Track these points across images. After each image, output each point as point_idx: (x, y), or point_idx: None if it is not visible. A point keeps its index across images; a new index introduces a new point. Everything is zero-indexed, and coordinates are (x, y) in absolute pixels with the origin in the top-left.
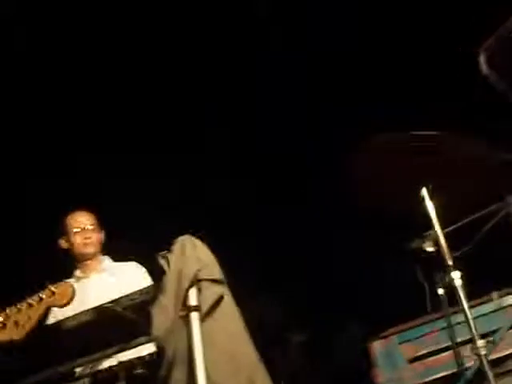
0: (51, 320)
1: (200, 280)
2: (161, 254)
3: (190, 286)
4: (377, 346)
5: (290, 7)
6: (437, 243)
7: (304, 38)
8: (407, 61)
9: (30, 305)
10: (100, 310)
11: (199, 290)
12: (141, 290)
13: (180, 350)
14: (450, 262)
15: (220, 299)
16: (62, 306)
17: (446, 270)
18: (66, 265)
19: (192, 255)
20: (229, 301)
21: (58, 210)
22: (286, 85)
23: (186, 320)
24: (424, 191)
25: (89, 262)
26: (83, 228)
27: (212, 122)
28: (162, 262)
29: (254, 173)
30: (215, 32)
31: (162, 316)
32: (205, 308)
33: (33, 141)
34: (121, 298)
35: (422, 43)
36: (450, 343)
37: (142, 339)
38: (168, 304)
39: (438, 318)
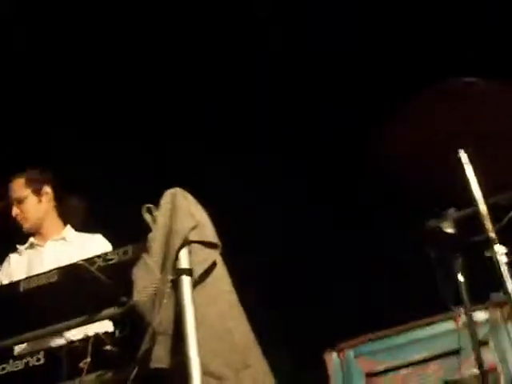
0: (3, 280)
1: (191, 242)
2: (146, 206)
3: (182, 246)
4: (332, 359)
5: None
6: (458, 223)
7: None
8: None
9: None
10: (67, 270)
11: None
12: (119, 250)
13: (165, 320)
14: (493, 235)
15: (212, 266)
16: None
17: (489, 243)
18: None
19: (184, 210)
20: (222, 270)
21: None
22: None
23: (175, 285)
24: (462, 155)
25: (42, 229)
26: (11, 204)
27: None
28: (147, 216)
29: None
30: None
31: (146, 280)
32: (195, 275)
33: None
34: (94, 257)
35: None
36: (412, 359)
37: (115, 309)
38: (153, 266)
39: (399, 332)
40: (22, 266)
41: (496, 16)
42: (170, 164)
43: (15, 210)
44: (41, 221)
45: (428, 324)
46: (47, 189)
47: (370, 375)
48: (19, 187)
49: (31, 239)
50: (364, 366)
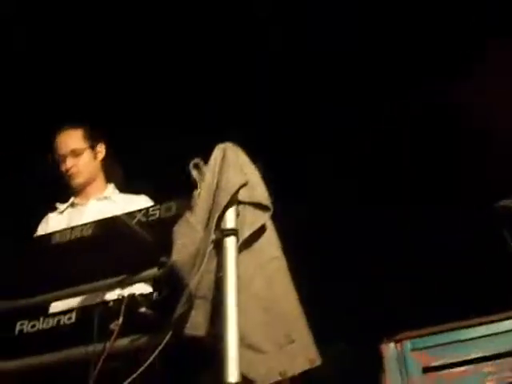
0: (39, 233)
1: (240, 202)
2: (193, 162)
3: (229, 204)
4: (388, 350)
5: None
6: None
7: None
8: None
9: None
10: (104, 224)
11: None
12: (161, 206)
13: (204, 284)
14: None
15: (261, 230)
16: None
17: None
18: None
19: (235, 166)
20: (271, 235)
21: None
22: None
23: (219, 247)
24: None
25: (87, 187)
26: (63, 154)
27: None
28: (195, 172)
29: None
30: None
31: (187, 238)
32: (241, 239)
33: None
34: (135, 211)
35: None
36: (471, 357)
37: (154, 270)
38: (196, 224)
39: (461, 327)
40: (62, 225)
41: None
42: (222, 117)
43: (70, 162)
44: (93, 178)
45: (489, 322)
46: (102, 146)
47: (427, 369)
48: (77, 139)
49: (72, 198)
50: (421, 359)
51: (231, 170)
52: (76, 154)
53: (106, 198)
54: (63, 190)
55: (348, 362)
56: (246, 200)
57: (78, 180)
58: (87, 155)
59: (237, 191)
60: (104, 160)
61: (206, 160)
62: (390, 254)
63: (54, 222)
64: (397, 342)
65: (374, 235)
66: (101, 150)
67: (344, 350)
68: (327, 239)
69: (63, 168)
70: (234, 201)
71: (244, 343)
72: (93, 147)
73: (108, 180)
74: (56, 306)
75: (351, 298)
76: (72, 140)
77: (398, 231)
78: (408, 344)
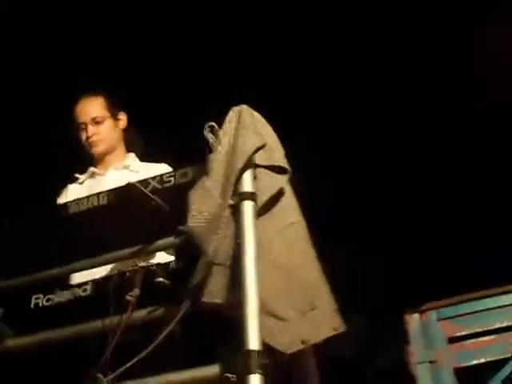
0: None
1: (257, 165)
2: (208, 125)
3: (246, 167)
4: (413, 321)
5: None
6: None
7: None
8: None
9: None
10: (119, 192)
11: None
12: (177, 172)
13: (222, 250)
14: None
15: (279, 194)
16: None
17: None
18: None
19: (251, 128)
20: (290, 199)
21: None
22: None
23: (236, 211)
24: None
25: (106, 157)
26: (84, 123)
27: None
28: (210, 136)
29: None
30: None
31: (202, 203)
32: (259, 203)
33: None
34: (148, 178)
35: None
36: (496, 326)
37: (171, 239)
38: (212, 189)
39: (486, 296)
40: (82, 195)
41: None
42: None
43: (92, 130)
44: (113, 147)
45: None
46: (123, 115)
47: (452, 339)
48: (99, 107)
49: (91, 168)
50: (446, 329)
51: (247, 133)
52: (97, 121)
53: (125, 167)
54: (82, 160)
55: (371, 333)
56: (264, 163)
57: (98, 148)
58: (108, 123)
59: (253, 153)
60: (125, 130)
61: (220, 124)
62: (415, 223)
63: (73, 194)
64: (421, 312)
65: (397, 207)
66: (122, 118)
67: (366, 321)
68: (351, 208)
69: (83, 136)
70: (250, 164)
71: (264, 310)
72: (114, 116)
73: (128, 150)
74: (75, 278)
75: (375, 269)
76: (93, 108)
77: (419, 204)
78: (433, 314)
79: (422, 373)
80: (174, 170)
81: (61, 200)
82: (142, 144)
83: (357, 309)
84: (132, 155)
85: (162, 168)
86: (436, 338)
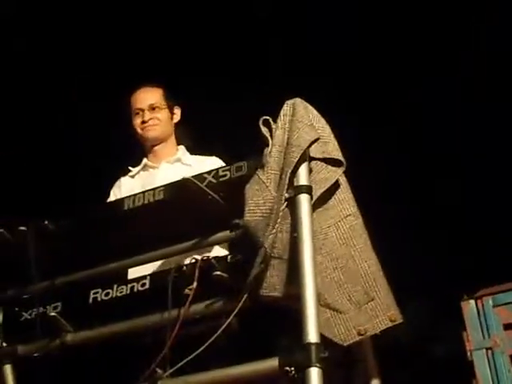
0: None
1: (312, 158)
2: (263, 119)
3: (301, 161)
4: (469, 308)
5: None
6: None
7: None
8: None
9: None
10: (174, 187)
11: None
12: (232, 166)
13: (279, 243)
14: None
15: (335, 187)
16: None
17: None
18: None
19: (305, 121)
20: (346, 191)
21: None
22: None
23: (292, 204)
24: None
25: (158, 148)
26: (141, 109)
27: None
28: (265, 130)
29: None
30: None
31: (259, 197)
32: (315, 196)
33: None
34: (204, 173)
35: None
36: None
37: (226, 234)
38: (268, 182)
39: None
40: (136, 189)
41: None
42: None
43: (148, 115)
44: (166, 138)
45: None
46: (178, 109)
47: (508, 326)
48: (157, 96)
49: (144, 160)
50: (502, 315)
51: (302, 126)
52: (155, 107)
53: (177, 160)
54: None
55: (428, 319)
56: (318, 156)
57: (154, 133)
58: (165, 113)
59: (308, 147)
60: (177, 124)
61: (274, 118)
62: (469, 210)
63: (126, 186)
64: (477, 298)
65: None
66: (177, 112)
67: (423, 307)
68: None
69: (138, 120)
70: (305, 157)
71: (321, 303)
72: (170, 108)
73: (178, 143)
74: (133, 273)
75: (431, 255)
76: (152, 96)
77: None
78: (489, 300)
79: (478, 359)
80: (227, 163)
81: (113, 191)
82: (190, 139)
83: (414, 295)
84: (182, 148)
85: (213, 160)
86: (492, 324)
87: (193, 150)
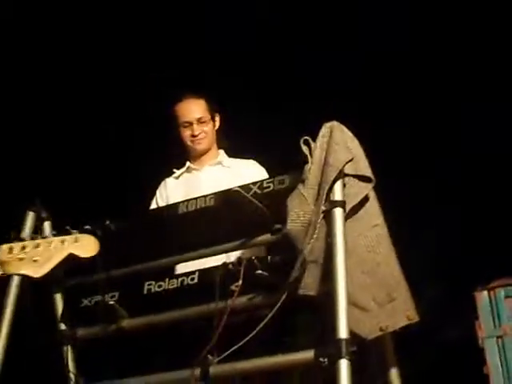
0: (160, 203)
1: (346, 175)
2: (304, 138)
3: (337, 178)
4: (482, 298)
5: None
6: None
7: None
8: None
9: (50, 244)
10: (224, 195)
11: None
12: (275, 179)
13: (316, 249)
14: None
15: (365, 200)
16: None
17: None
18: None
19: (341, 143)
20: (374, 204)
21: None
22: None
23: (328, 216)
24: None
25: (203, 154)
26: (189, 122)
27: None
28: (304, 148)
29: None
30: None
31: (300, 209)
32: (347, 209)
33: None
34: (250, 184)
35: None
36: None
37: (269, 236)
38: (308, 196)
39: None
40: (180, 189)
41: None
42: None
43: (197, 129)
44: (212, 145)
45: None
46: (218, 117)
47: None
48: (203, 108)
49: (188, 163)
50: None
51: (338, 148)
52: (202, 121)
53: (218, 163)
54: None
55: (442, 308)
56: (351, 173)
57: (202, 146)
58: (211, 125)
59: (343, 166)
60: (218, 130)
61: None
62: (483, 202)
63: (171, 187)
64: (490, 289)
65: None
66: (218, 120)
67: (437, 296)
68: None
69: (188, 133)
70: (341, 175)
71: (351, 301)
72: (213, 118)
73: (219, 146)
74: (181, 269)
75: (444, 247)
76: (198, 108)
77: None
78: (501, 292)
79: (489, 347)
80: (271, 176)
81: (159, 191)
82: (227, 142)
83: (428, 283)
84: (222, 152)
85: (250, 163)
86: (503, 314)
87: (230, 152)
